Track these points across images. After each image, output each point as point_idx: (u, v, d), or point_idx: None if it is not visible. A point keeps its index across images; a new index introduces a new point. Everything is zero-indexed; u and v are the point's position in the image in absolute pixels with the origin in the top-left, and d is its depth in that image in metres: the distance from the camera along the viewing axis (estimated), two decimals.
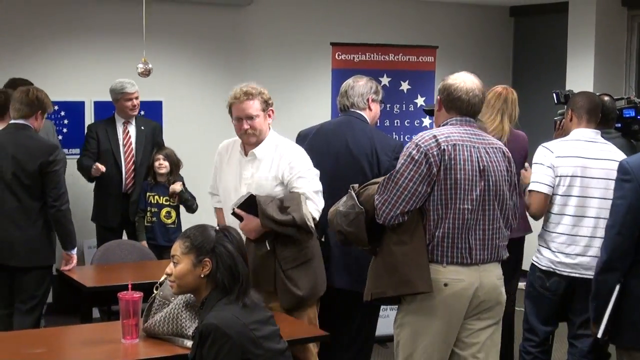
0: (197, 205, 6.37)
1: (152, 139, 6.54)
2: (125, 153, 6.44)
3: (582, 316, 4.52)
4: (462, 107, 3.66)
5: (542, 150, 4.64)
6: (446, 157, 3.49)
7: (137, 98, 6.43)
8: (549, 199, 4.55)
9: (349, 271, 4.58)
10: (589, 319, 4.43)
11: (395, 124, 6.27)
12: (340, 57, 6.17)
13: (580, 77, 7.93)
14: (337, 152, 4.60)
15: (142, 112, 7.06)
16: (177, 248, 3.18)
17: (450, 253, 3.52)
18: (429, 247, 3.52)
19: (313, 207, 4.20)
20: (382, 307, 6.09)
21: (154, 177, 6.32)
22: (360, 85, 4.74)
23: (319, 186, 4.27)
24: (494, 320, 3.68)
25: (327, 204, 4.17)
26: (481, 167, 3.55)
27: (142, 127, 6.54)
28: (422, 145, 3.51)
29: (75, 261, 5.13)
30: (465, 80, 3.69)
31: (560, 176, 4.52)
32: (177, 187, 6.25)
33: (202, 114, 8.01)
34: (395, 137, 6.24)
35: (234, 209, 4.19)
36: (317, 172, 4.30)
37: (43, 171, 4.95)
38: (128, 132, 6.49)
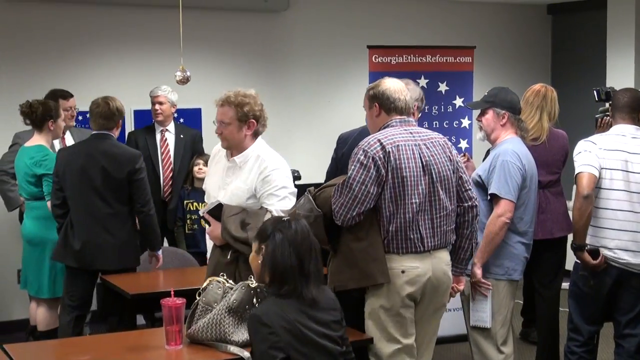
0: None
1: (191, 147, 6.57)
2: (163, 161, 6.49)
3: (628, 315, 4.47)
4: (401, 108, 3.99)
5: (584, 142, 4.56)
6: (391, 159, 3.79)
7: (161, 103, 6.45)
8: (596, 181, 4.45)
9: None
10: (635, 317, 4.39)
11: (434, 126, 6.23)
12: (377, 59, 6.16)
13: (621, 74, 7.84)
14: None
15: (182, 120, 7.11)
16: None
17: (404, 244, 3.83)
18: (385, 241, 3.82)
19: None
20: None
21: (192, 182, 6.34)
22: (410, 89, 4.73)
23: (288, 206, 4.12)
24: (443, 303, 4.04)
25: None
26: (423, 163, 3.86)
27: (182, 136, 6.57)
28: (369, 151, 3.80)
29: (161, 260, 5.42)
30: (395, 84, 4.04)
31: (604, 169, 4.46)
32: None
33: None
34: None
35: (203, 213, 4.31)
36: (293, 190, 4.20)
37: (131, 178, 5.17)
38: (166, 139, 6.53)
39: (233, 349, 3.44)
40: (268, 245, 3.23)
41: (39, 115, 5.47)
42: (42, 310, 5.58)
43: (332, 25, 8.29)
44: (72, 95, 6.22)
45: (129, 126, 7.29)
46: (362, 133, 4.77)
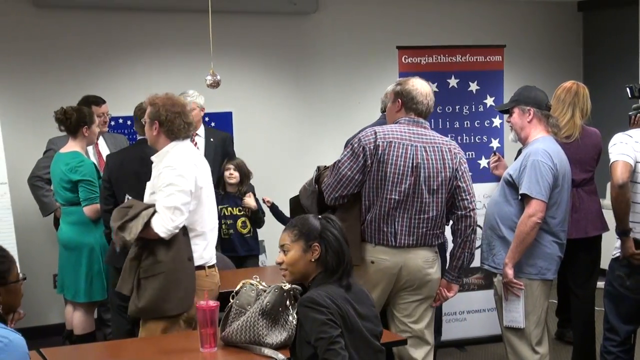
0: (264, 221, 6.36)
1: (222, 151, 6.57)
2: None
3: None
4: (421, 110, 4.21)
5: (621, 135, 4.49)
6: (379, 153, 4.04)
7: (191, 110, 6.46)
8: (631, 170, 4.38)
9: None
10: None
11: (465, 125, 6.21)
12: (406, 60, 6.15)
13: None
14: None
15: (213, 124, 7.13)
16: (287, 237, 3.33)
17: (377, 235, 4.11)
18: (362, 227, 4.12)
19: (159, 222, 4.07)
20: (459, 311, 6.07)
21: (224, 187, 6.35)
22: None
23: (173, 203, 4.08)
24: (424, 295, 4.24)
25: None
26: (414, 164, 4.06)
27: (211, 139, 6.59)
28: (362, 140, 4.08)
29: None
30: (422, 87, 4.24)
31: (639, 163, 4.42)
32: (252, 203, 6.23)
33: (271, 123, 8.07)
34: (465, 139, 6.20)
35: None
36: (182, 188, 4.12)
37: None
38: (196, 143, 6.55)
39: (267, 351, 3.45)
40: (322, 242, 3.26)
41: (74, 121, 5.51)
42: (79, 314, 5.63)
43: (361, 27, 8.29)
44: (104, 102, 6.27)
45: None
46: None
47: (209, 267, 4.37)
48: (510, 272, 4.46)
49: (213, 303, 3.60)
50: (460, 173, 4.19)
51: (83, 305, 5.64)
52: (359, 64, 8.30)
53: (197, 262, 4.24)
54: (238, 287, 3.64)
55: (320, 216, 3.35)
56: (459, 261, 4.29)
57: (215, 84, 5.53)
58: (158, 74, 7.46)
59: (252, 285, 3.61)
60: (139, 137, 5.38)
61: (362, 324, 3.19)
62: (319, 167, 4.40)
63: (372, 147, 4.05)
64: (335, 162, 4.14)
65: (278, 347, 3.47)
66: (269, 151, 7.79)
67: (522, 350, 4.55)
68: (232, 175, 6.28)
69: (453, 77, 6.18)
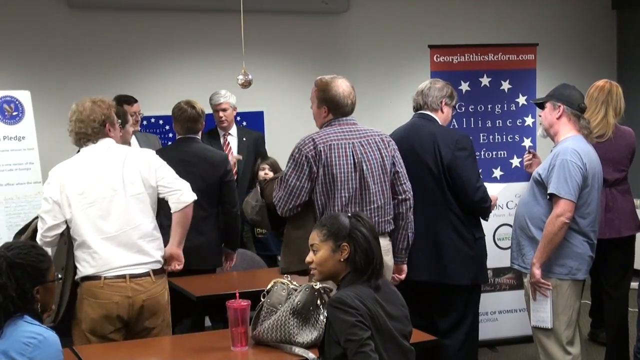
0: None
1: (254, 150, 6.59)
2: None
3: None
4: (347, 112, 4.40)
5: None
6: (323, 157, 4.20)
7: (224, 110, 6.47)
8: None
9: (431, 264, 4.73)
10: None
11: (497, 124, 6.18)
12: (438, 59, 6.13)
13: None
14: (405, 155, 4.69)
15: (244, 123, 7.15)
16: (316, 237, 3.30)
17: None
18: None
19: (39, 226, 4.15)
20: (490, 311, 6.04)
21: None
22: (436, 88, 4.92)
23: (42, 208, 4.13)
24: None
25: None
26: (355, 160, 4.24)
27: (244, 139, 6.61)
28: (302, 149, 4.25)
29: (234, 261, 5.58)
30: (344, 88, 4.46)
31: None
32: None
33: (303, 122, 8.02)
34: (497, 138, 6.17)
35: None
36: (45, 195, 4.13)
37: (223, 180, 5.35)
38: (229, 143, 6.58)
39: (298, 350, 3.46)
40: (351, 242, 3.23)
41: None
42: None
43: (393, 26, 8.28)
44: (136, 101, 6.31)
45: None
46: (392, 136, 4.86)
47: (110, 277, 4.01)
48: (537, 272, 4.43)
49: (244, 302, 3.60)
50: (396, 159, 4.41)
51: None
52: (391, 63, 8.29)
53: (85, 272, 4.04)
54: (269, 286, 3.64)
55: (350, 214, 3.33)
56: (404, 242, 4.47)
57: (247, 84, 5.55)
58: (190, 73, 7.50)
59: (283, 284, 3.62)
60: (179, 137, 5.44)
61: (391, 325, 3.17)
62: (259, 182, 4.56)
63: (314, 154, 4.21)
64: (281, 176, 4.27)
65: (309, 346, 3.48)
66: None
67: (554, 351, 4.52)
68: (267, 174, 6.29)
69: (485, 75, 6.16)
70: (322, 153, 4.21)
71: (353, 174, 4.24)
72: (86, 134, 4.15)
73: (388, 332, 3.15)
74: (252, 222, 4.53)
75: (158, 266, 4.13)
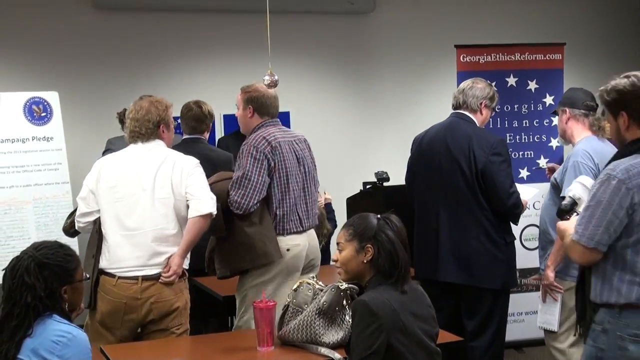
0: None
1: None
2: None
3: None
4: (272, 113, 4.63)
5: None
6: (277, 153, 4.44)
7: None
8: None
9: (460, 266, 4.70)
10: None
11: (524, 124, 6.15)
12: (465, 59, 6.10)
13: None
14: (440, 154, 4.73)
15: None
16: (342, 236, 3.31)
17: (288, 226, 4.49)
18: (274, 223, 4.45)
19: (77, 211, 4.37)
20: (517, 312, 6.01)
21: None
22: (478, 88, 4.86)
23: (80, 194, 4.32)
24: (316, 272, 4.56)
25: (428, 202, 4.81)
26: (298, 157, 4.57)
27: None
28: (259, 147, 4.42)
29: None
30: (267, 89, 4.61)
31: None
32: (328, 195, 6.30)
33: (329, 123, 8.07)
34: (524, 138, 6.14)
35: None
36: (85, 182, 4.31)
37: None
38: None
39: (324, 350, 3.46)
40: (375, 244, 3.21)
41: None
42: None
43: (419, 26, 8.26)
44: None
45: (219, 131, 7.39)
46: (427, 135, 4.92)
47: (123, 277, 4.07)
48: (551, 274, 4.42)
49: (270, 302, 3.61)
50: (314, 160, 4.77)
51: None
52: (417, 63, 8.26)
53: (101, 265, 4.14)
54: (295, 286, 3.65)
55: (379, 216, 3.30)
56: None
57: (273, 84, 5.54)
58: (216, 74, 7.52)
59: (309, 284, 3.62)
60: (184, 137, 5.43)
61: (418, 326, 3.16)
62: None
63: (269, 150, 4.42)
64: (240, 176, 4.37)
65: (334, 347, 3.47)
66: (326, 151, 7.78)
67: (558, 354, 4.53)
68: None
69: (512, 75, 6.13)
70: (276, 149, 4.45)
71: (298, 169, 4.56)
72: (140, 132, 4.26)
73: (414, 334, 3.13)
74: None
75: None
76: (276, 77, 5.51)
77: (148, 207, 4.12)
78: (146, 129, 4.24)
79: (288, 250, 4.47)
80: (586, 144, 4.49)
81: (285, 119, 7.55)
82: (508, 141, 6.07)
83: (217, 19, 7.59)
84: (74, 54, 7.18)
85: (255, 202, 4.37)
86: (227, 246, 4.45)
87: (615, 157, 3.23)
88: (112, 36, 7.30)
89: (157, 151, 4.24)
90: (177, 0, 7.46)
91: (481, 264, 4.67)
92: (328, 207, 6.39)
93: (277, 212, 4.47)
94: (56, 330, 2.85)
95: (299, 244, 4.53)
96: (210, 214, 4.13)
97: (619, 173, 3.10)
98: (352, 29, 8.10)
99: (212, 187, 4.33)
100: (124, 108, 5.65)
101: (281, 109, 7.46)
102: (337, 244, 3.32)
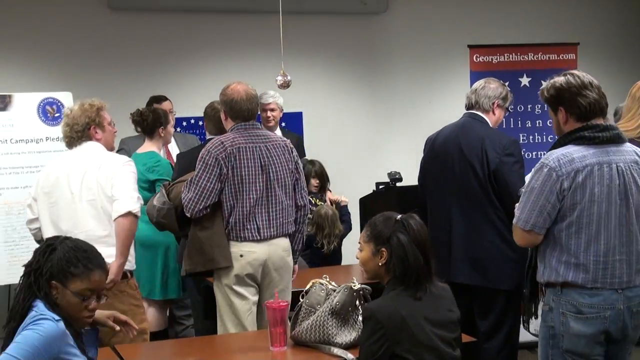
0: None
1: (298, 152, 6.62)
2: None
3: None
4: (245, 116, 4.50)
5: None
6: (232, 159, 4.34)
7: (272, 110, 6.48)
8: None
9: (473, 266, 4.67)
10: None
11: (537, 125, 6.14)
12: (478, 59, 6.11)
13: None
14: (452, 154, 4.70)
15: (283, 124, 7.17)
16: (362, 236, 3.30)
17: (242, 233, 4.38)
18: (226, 230, 4.37)
19: None
20: None
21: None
22: (490, 88, 4.83)
23: (26, 201, 4.40)
24: (284, 285, 4.48)
25: (440, 203, 4.74)
26: (262, 163, 4.41)
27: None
28: (213, 151, 4.34)
29: None
30: (242, 93, 4.51)
31: None
32: (344, 198, 6.34)
33: (341, 123, 8.08)
34: (537, 138, 6.12)
35: None
36: (31, 190, 4.40)
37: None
38: None
39: (337, 350, 3.45)
40: (389, 247, 3.18)
41: (150, 122, 5.60)
42: (153, 311, 5.71)
43: (432, 26, 8.25)
44: (166, 99, 6.36)
45: None
46: (439, 135, 4.88)
47: None
48: None
49: (283, 302, 3.61)
50: (299, 166, 4.64)
51: (158, 303, 5.72)
52: (430, 63, 8.26)
53: None
54: (308, 286, 3.65)
55: (399, 216, 3.25)
56: (298, 245, 4.68)
57: (286, 85, 5.57)
58: (229, 74, 7.49)
59: (322, 284, 3.61)
60: (208, 137, 5.45)
61: (433, 333, 3.12)
62: (163, 185, 4.63)
63: (224, 156, 4.33)
64: (191, 178, 4.35)
65: (347, 347, 3.47)
66: (339, 151, 7.80)
67: None
68: (316, 185, 6.37)
69: (525, 75, 6.13)
70: (232, 155, 4.35)
71: (260, 176, 4.41)
72: (71, 137, 4.35)
73: (425, 342, 3.10)
74: (157, 225, 4.55)
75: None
76: (289, 78, 5.54)
77: (77, 210, 4.20)
78: (76, 132, 4.32)
79: (241, 256, 4.38)
80: None
81: (297, 119, 7.57)
82: (521, 141, 6.06)
83: (230, 20, 7.61)
84: (88, 54, 7.21)
85: (202, 207, 4.31)
86: (187, 247, 4.50)
87: (552, 148, 3.51)
88: (126, 37, 7.32)
89: (87, 154, 4.32)
90: (190, 1, 7.48)
91: (494, 264, 4.65)
92: (344, 209, 6.39)
93: (230, 219, 4.37)
94: (29, 316, 2.78)
95: (255, 251, 4.39)
96: (130, 212, 4.14)
97: (551, 162, 3.39)
98: (365, 29, 8.10)
99: (174, 187, 4.47)
100: (137, 109, 5.68)
101: (294, 109, 7.56)
102: (359, 242, 3.32)
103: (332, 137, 7.94)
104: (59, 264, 2.88)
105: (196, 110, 7.05)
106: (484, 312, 4.75)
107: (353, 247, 3.39)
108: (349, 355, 3.40)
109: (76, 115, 4.32)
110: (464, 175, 4.66)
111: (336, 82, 8.08)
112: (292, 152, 4.60)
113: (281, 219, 4.49)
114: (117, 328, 3.25)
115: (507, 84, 5.77)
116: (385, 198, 6.33)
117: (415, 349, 3.07)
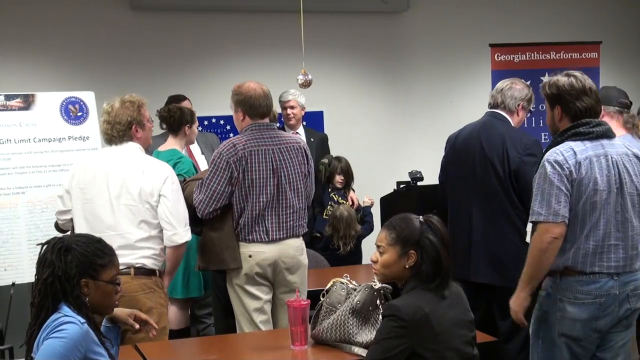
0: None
1: (321, 151, 6.63)
2: None
3: None
4: (262, 113, 4.50)
5: None
6: (243, 162, 4.34)
7: (292, 107, 6.50)
8: None
9: (493, 266, 4.67)
10: None
11: None
12: (499, 58, 6.09)
13: None
14: (474, 153, 4.70)
15: (304, 123, 7.18)
16: (384, 238, 3.25)
17: (251, 235, 4.42)
18: (236, 231, 4.41)
19: None
20: None
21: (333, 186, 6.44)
22: (517, 89, 4.82)
23: (58, 192, 4.43)
24: (300, 278, 4.53)
25: (461, 202, 4.75)
26: (274, 167, 4.41)
27: (312, 139, 6.63)
28: (224, 154, 4.36)
29: None
30: (258, 90, 4.52)
31: None
32: (367, 199, 6.36)
33: (362, 122, 8.07)
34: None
35: None
36: (63, 182, 4.37)
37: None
38: None
39: (357, 349, 3.46)
40: (419, 249, 3.16)
41: (177, 120, 5.60)
42: (174, 310, 5.72)
43: (453, 25, 8.23)
44: (185, 98, 6.36)
45: None
46: (461, 134, 4.89)
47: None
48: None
49: (304, 301, 3.62)
50: (312, 167, 4.65)
51: (179, 301, 5.73)
52: (451, 62, 8.24)
53: None
54: (328, 285, 3.65)
55: (421, 218, 3.24)
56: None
57: (307, 84, 5.58)
58: (251, 73, 7.49)
59: (343, 283, 3.62)
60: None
61: (454, 332, 3.12)
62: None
63: (235, 159, 4.34)
64: (202, 180, 4.39)
65: (368, 346, 3.47)
66: (360, 150, 7.80)
67: None
68: (342, 181, 6.38)
69: (547, 74, 6.07)
70: (243, 159, 4.35)
71: (271, 180, 4.41)
72: (112, 135, 4.27)
73: (448, 341, 3.09)
74: None
75: (142, 266, 4.13)
76: (310, 77, 5.55)
77: (114, 211, 4.16)
78: (117, 131, 4.24)
79: (250, 256, 4.42)
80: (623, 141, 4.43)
81: (318, 118, 7.58)
82: (543, 140, 6.03)
83: (252, 19, 7.63)
84: (110, 54, 7.25)
85: (212, 209, 4.37)
86: (200, 245, 4.58)
87: (550, 147, 3.65)
88: (148, 36, 7.36)
89: (128, 155, 4.26)
90: (211, 0, 7.50)
91: (514, 264, 4.63)
92: (366, 210, 6.39)
93: (240, 221, 4.41)
94: (52, 319, 2.80)
95: (264, 252, 4.42)
96: (185, 243, 4.26)
97: (556, 156, 3.53)
98: (386, 28, 8.09)
99: (187, 185, 4.52)
100: (165, 106, 5.69)
101: (315, 109, 7.56)
102: (378, 246, 3.27)
103: (353, 136, 7.94)
104: (84, 260, 2.90)
105: (217, 109, 7.10)
106: (504, 313, 4.72)
107: (374, 247, 3.37)
108: None
109: (118, 113, 4.24)
110: (484, 174, 4.65)
111: (357, 81, 8.07)
112: (306, 153, 4.59)
113: (292, 222, 4.52)
114: (137, 326, 3.27)
115: (528, 82, 5.76)
116: (406, 197, 6.32)
117: (436, 347, 3.07)
